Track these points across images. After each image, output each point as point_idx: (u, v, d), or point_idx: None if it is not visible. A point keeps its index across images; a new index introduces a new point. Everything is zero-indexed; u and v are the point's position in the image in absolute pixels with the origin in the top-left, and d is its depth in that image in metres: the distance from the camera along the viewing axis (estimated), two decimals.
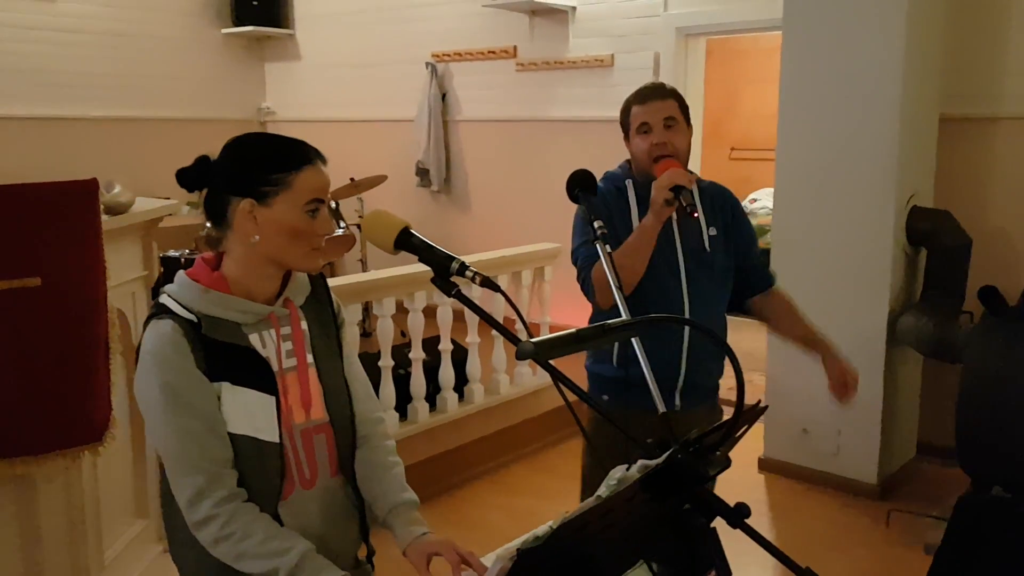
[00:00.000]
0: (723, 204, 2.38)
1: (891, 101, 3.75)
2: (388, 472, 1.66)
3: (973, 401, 3.37)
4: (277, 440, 1.50)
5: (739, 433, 1.12)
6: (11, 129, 6.31)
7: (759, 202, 7.95)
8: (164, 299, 1.51)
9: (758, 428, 4.44)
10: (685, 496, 1.02)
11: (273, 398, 1.51)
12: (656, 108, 2.25)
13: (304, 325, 1.60)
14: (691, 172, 2.21)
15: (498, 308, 4.30)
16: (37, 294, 2.00)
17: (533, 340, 1.00)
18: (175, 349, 1.44)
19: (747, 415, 1.09)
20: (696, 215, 2.10)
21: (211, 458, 1.45)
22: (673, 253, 2.25)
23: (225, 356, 1.48)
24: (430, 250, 1.44)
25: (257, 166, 1.49)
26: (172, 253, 5.52)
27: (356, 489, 1.66)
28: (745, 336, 5.19)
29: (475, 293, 4.12)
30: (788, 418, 4.14)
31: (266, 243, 1.50)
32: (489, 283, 1.39)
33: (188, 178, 1.52)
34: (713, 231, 2.32)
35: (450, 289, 1.42)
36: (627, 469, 0.98)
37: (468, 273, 1.40)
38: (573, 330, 1.04)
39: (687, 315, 2.24)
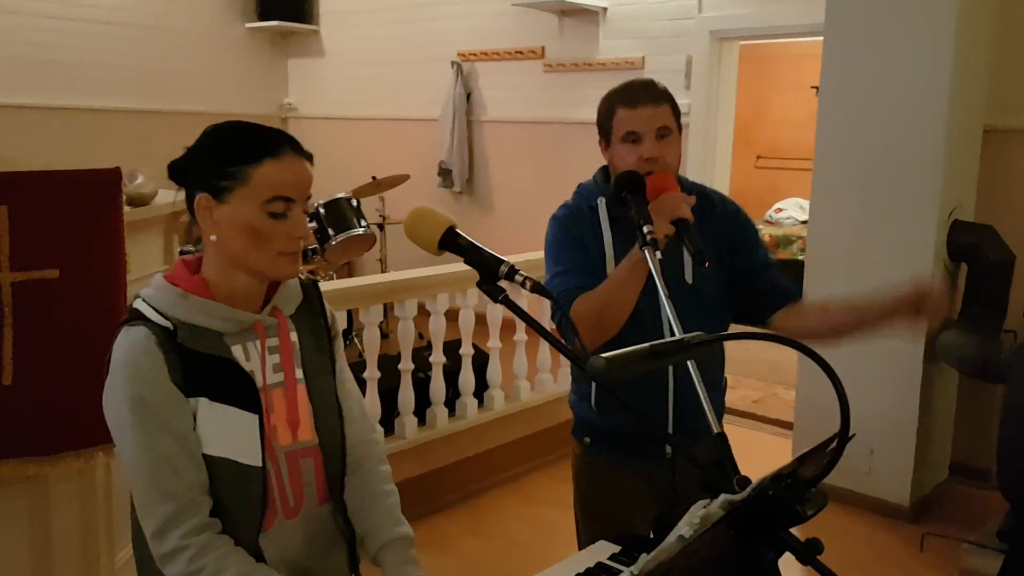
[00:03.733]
0: (716, 220, 1.95)
1: (937, 111, 3.63)
2: (381, 503, 1.51)
3: (1016, 423, 3.24)
4: (260, 464, 1.35)
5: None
6: (36, 119, 6.30)
7: (785, 211, 7.84)
8: (138, 303, 1.36)
9: (786, 444, 4.32)
10: (767, 534, 0.92)
11: (256, 417, 1.36)
12: (648, 115, 1.84)
13: (294, 337, 1.44)
14: (680, 181, 1.90)
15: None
16: (55, 286, 1.92)
17: (605, 356, 0.90)
18: (148, 359, 1.30)
19: (844, 445, 0.99)
20: (708, 264, 1.68)
21: (184, 483, 1.30)
22: (652, 288, 1.63)
23: (204, 369, 1.33)
24: (477, 252, 1.34)
25: (213, 157, 1.34)
26: (190, 249, 5.45)
27: (346, 518, 1.51)
28: (768, 348, 5.05)
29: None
30: (818, 435, 3.97)
31: (225, 244, 1.35)
32: (540, 289, 1.29)
33: (173, 169, 1.40)
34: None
35: (497, 294, 1.32)
36: (707, 504, 0.88)
37: (518, 277, 1.30)
38: (647, 345, 0.93)
39: (664, 325, 1.82)
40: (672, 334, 1.54)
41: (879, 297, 1.77)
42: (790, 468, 0.91)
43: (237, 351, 1.37)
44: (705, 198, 1.97)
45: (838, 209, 3.97)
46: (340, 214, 4.96)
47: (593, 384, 1.94)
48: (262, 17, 7.54)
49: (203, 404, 1.33)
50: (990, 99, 4.00)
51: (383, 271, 6.02)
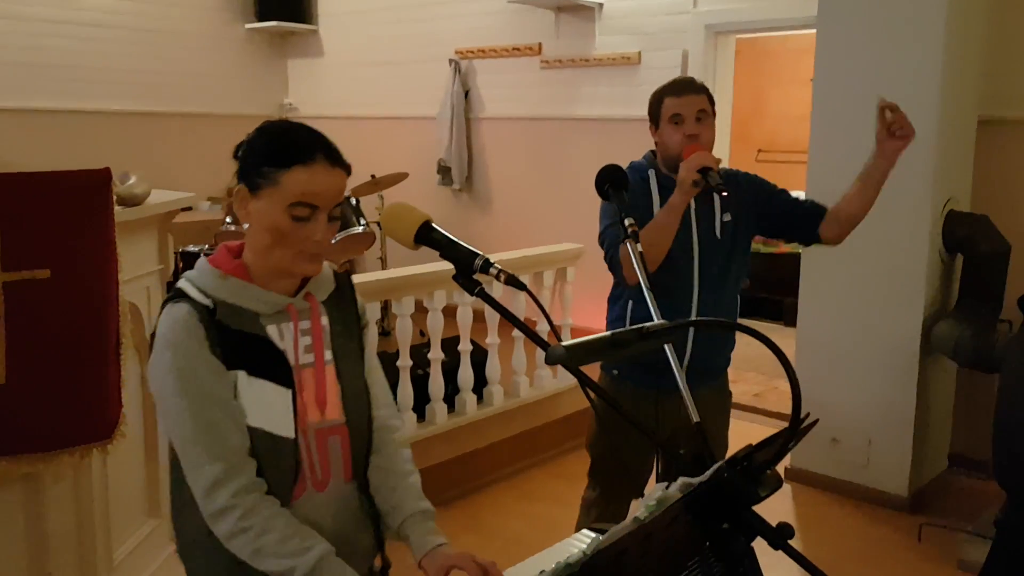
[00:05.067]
0: (738, 189, 2.43)
1: (929, 103, 3.63)
2: (404, 480, 1.57)
3: (1011, 413, 3.24)
4: (292, 436, 1.43)
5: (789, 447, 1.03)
6: (35, 122, 6.32)
7: None
8: (182, 283, 1.46)
9: None
10: (728, 517, 0.93)
11: (290, 392, 1.44)
12: (690, 101, 2.35)
13: (325, 321, 1.52)
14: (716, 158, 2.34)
15: (519, 309, 4.22)
16: (46, 286, 1.94)
17: (564, 344, 0.91)
18: (190, 334, 1.39)
19: (797, 430, 1.00)
20: (725, 193, 2.15)
21: (230, 446, 1.38)
22: (689, 236, 2.36)
23: (241, 345, 1.42)
24: (452, 246, 1.36)
25: (255, 154, 1.42)
26: (191, 248, 5.49)
27: (370, 497, 1.58)
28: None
29: (496, 292, 4.03)
30: (817, 427, 3.98)
31: (254, 235, 1.45)
32: (514, 281, 1.31)
33: (236, 151, 1.49)
34: (727, 217, 2.42)
35: (473, 287, 1.34)
36: (667, 487, 0.89)
37: (492, 270, 1.32)
38: (608, 333, 0.95)
39: (696, 296, 2.37)
40: (699, 277, 2.36)
41: (869, 159, 2.37)
42: (745, 452, 0.92)
43: (272, 331, 1.45)
44: (733, 175, 2.52)
45: (834, 201, 3.96)
46: (339, 213, 4.98)
47: (628, 308, 2.44)
48: (261, 18, 7.56)
49: (242, 377, 1.41)
50: (984, 90, 4.00)
51: (384, 269, 6.04)
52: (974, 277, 3.81)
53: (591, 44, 5.85)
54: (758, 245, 7.32)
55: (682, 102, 2.34)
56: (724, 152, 5.41)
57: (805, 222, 2.46)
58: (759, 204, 2.47)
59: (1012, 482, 3.28)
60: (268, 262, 1.44)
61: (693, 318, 2.36)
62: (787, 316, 6.82)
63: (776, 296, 7.03)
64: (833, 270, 3.99)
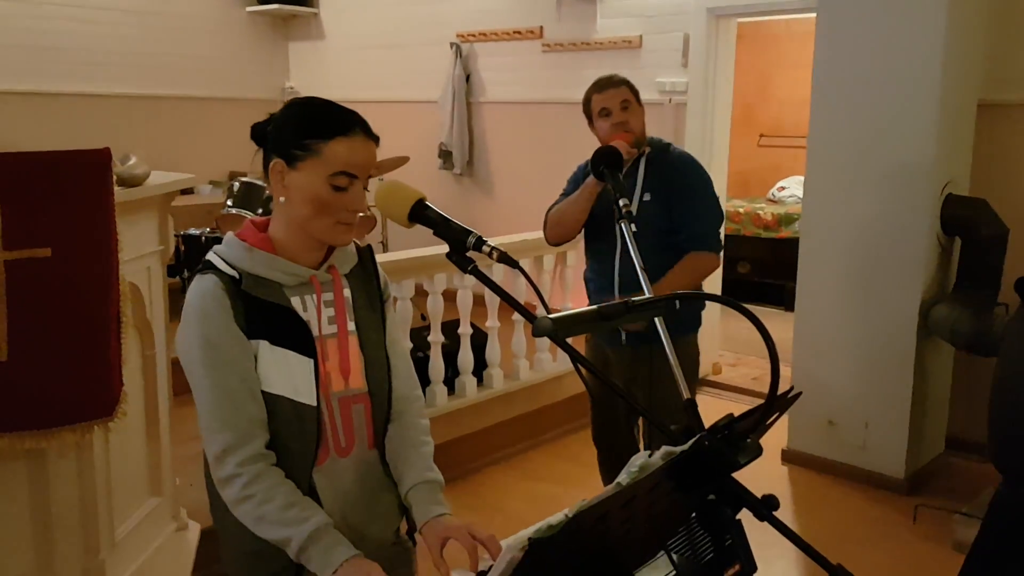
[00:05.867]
0: (670, 173, 2.73)
1: (930, 86, 3.63)
2: (416, 450, 1.61)
3: (1007, 395, 3.26)
4: (315, 403, 1.48)
5: (771, 421, 1.04)
6: (37, 105, 6.34)
7: (787, 190, 7.81)
8: (210, 256, 1.52)
9: (782, 419, 4.34)
10: (711, 486, 0.95)
11: (312, 361, 1.48)
12: (612, 95, 2.69)
13: (347, 293, 1.58)
14: (652, 140, 2.75)
15: (519, 294, 4.24)
16: (47, 265, 1.95)
17: (551, 316, 0.93)
18: (216, 304, 1.44)
19: (780, 402, 1.02)
20: (617, 197, 2.25)
21: (243, 416, 1.44)
22: (609, 217, 2.61)
23: (265, 314, 1.47)
24: (446, 223, 1.38)
25: (293, 128, 1.47)
26: (193, 231, 5.50)
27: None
28: (770, 325, 5.07)
29: (497, 276, 4.05)
30: (814, 409, 4.05)
31: (291, 208, 1.49)
32: (507, 259, 1.32)
33: (255, 131, 1.54)
34: (647, 196, 2.69)
35: (466, 265, 1.35)
36: (650, 455, 0.91)
37: (485, 248, 1.34)
38: (594, 307, 0.97)
39: (617, 260, 2.70)
40: (619, 254, 2.70)
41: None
42: (726, 421, 0.94)
43: (295, 302, 1.51)
44: (664, 150, 2.79)
45: (832, 185, 3.98)
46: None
47: (587, 282, 2.92)
48: (263, 1, 7.55)
49: (264, 346, 1.47)
50: (985, 74, 3.99)
51: (385, 252, 6.06)
52: (972, 261, 3.82)
53: (592, 27, 5.84)
54: (758, 230, 7.32)
55: (605, 96, 2.68)
56: (724, 138, 5.40)
57: (680, 245, 2.73)
58: (671, 197, 2.70)
59: (1008, 464, 3.30)
60: (304, 233, 1.49)
61: (617, 279, 2.70)
62: (789, 301, 6.81)
63: (778, 281, 7.04)
64: (831, 253, 4.00)
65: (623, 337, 2.70)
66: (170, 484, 2.87)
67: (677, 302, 0.94)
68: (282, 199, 1.48)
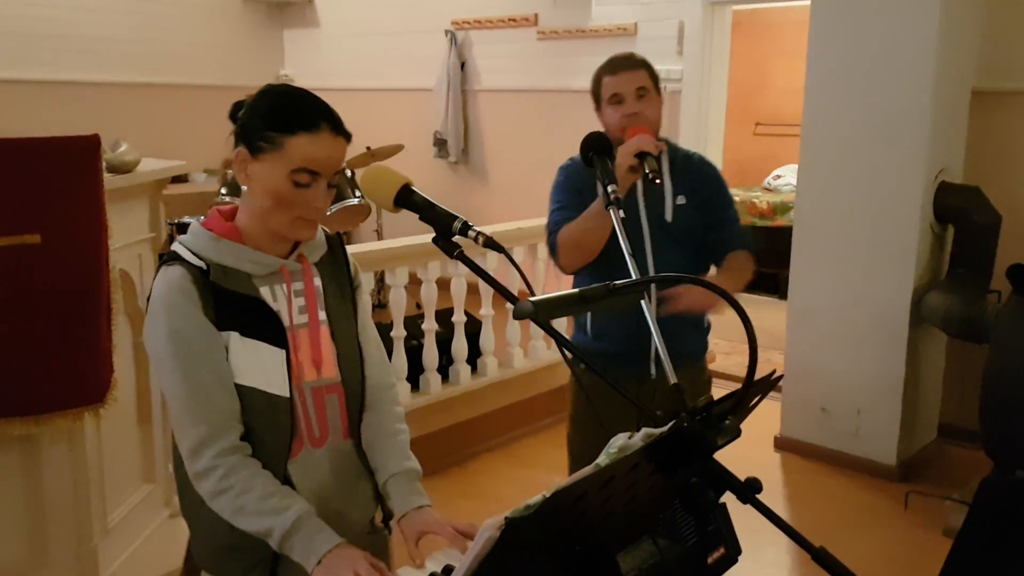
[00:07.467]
0: (698, 174, 2.34)
1: (924, 74, 3.62)
2: (392, 439, 1.60)
3: (999, 382, 3.28)
4: (287, 395, 1.46)
5: (753, 403, 1.05)
6: (29, 93, 6.31)
7: (783, 179, 7.80)
8: (176, 246, 1.47)
9: (774, 406, 4.36)
10: (694, 469, 0.96)
11: (283, 352, 1.46)
12: (627, 79, 2.22)
13: (318, 282, 1.54)
14: (663, 140, 2.25)
15: (513, 284, 4.24)
16: (37, 251, 1.96)
17: (532, 299, 0.93)
18: (184, 295, 1.41)
19: (760, 385, 1.02)
20: (658, 181, 2.03)
21: (217, 409, 1.41)
22: (637, 222, 2.23)
23: (234, 306, 1.43)
24: (431, 208, 1.38)
25: (260, 117, 1.42)
26: (187, 219, 5.49)
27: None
28: (765, 314, 5.10)
29: (490, 266, 4.06)
30: (806, 396, 4.06)
31: (252, 198, 1.45)
32: (493, 244, 1.32)
33: (233, 111, 1.49)
34: (681, 199, 2.28)
35: (452, 249, 1.35)
36: (629, 437, 0.92)
37: (471, 233, 1.34)
38: (576, 290, 0.97)
39: (649, 270, 2.23)
40: (634, 272, 1.87)
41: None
42: (705, 403, 0.95)
43: (265, 292, 1.47)
44: (688, 157, 2.37)
45: (826, 172, 3.98)
46: (337, 182, 4.99)
47: (588, 315, 2.35)
48: None
49: (234, 338, 1.43)
50: (979, 62, 3.99)
51: (379, 240, 6.06)
52: (965, 248, 3.83)
53: (587, 15, 5.82)
54: (753, 219, 7.31)
55: (619, 80, 2.22)
56: (719, 126, 5.39)
57: (717, 246, 2.36)
58: (708, 199, 2.34)
59: (999, 450, 3.33)
60: (265, 225, 1.45)
61: (651, 314, 2.09)
62: (784, 289, 6.83)
63: (772, 269, 7.04)
64: (824, 240, 4.00)
65: (652, 369, 2.30)
66: (163, 471, 2.88)
67: (653, 284, 0.93)
68: (245, 188, 1.45)
